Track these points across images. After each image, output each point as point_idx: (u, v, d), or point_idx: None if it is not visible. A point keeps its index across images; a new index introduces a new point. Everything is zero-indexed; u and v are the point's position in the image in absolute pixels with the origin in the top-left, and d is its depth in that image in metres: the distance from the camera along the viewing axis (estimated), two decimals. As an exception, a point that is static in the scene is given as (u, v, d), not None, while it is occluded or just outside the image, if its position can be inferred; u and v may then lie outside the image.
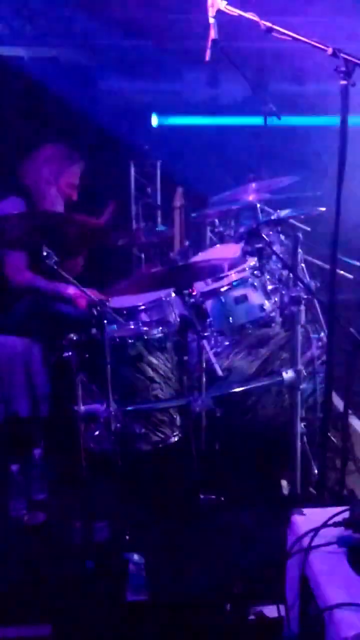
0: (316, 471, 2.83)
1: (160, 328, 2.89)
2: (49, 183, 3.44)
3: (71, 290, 3.23)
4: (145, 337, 2.85)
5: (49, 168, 3.45)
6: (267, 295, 3.18)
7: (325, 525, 1.72)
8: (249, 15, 2.24)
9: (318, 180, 3.58)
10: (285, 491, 2.85)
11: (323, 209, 3.32)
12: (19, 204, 3.32)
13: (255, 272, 3.17)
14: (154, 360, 2.85)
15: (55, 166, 3.46)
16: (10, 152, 3.95)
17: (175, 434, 2.89)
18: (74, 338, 2.68)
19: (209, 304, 3.13)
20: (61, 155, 3.50)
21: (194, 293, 3.06)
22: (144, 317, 3.08)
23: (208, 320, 3.09)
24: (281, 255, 3.04)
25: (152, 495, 2.85)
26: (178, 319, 3.01)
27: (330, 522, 1.73)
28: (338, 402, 3.03)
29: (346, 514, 1.74)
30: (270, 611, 2.14)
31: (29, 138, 4.26)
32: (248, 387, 2.86)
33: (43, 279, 3.26)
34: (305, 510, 1.86)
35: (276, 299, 3.20)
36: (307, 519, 1.81)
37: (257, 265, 3.18)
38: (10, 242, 2.89)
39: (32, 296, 3.35)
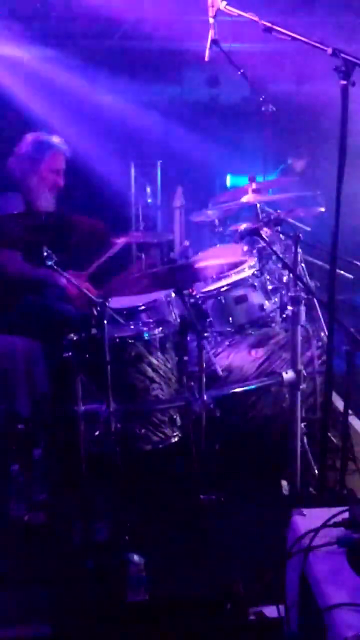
0: (316, 471, 2.83)
1: (160, 328, 2.88)
2: (33, 173, 3.41)
3: (62, 280, 3.18)
4: (145, 338, 2.85)
5: (30, 157, 3.42)
6: (267, 295, 3.18)
7: (325, 525, 1.72)
8: (249, 15, 2.24)
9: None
10: (286, 491, 2.85)
11: (322, 209, 3.32)
12: (17, 200, 3.30)
13: (255, 272, 3.17)
14: (154, 361, 2.85)
15: (36, 154, 3.42)
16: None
17: (175, 434, 2.89)
18: (74, 338, 2.68)
19: (209, 304, 3.13)
20: (40, 142, 3.46)
21: (194, 293, 3.06)
22: (144, 317, 3.08)
23: (208, 320, 3.09)
24: (281, 255, 3.04)
25: (152, 495, 2.85)
26: (178, 319, 3.00)
27: (330, 522, 1.73)
28: (338, 402, 3.03)
29: (346, 514, 1.74)
30: (270, 611, 2.14)
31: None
32: (248, 387, 2.86)
33: (33, 268, 3.24)
34: (305, 511, 1.86)
35: (276, 299, 3.20)
36: (307, 519, 1.81)
37: (257, 265, 3.18)
38: (9, 242, 2.88)
39: (33, 296, 3.34)
